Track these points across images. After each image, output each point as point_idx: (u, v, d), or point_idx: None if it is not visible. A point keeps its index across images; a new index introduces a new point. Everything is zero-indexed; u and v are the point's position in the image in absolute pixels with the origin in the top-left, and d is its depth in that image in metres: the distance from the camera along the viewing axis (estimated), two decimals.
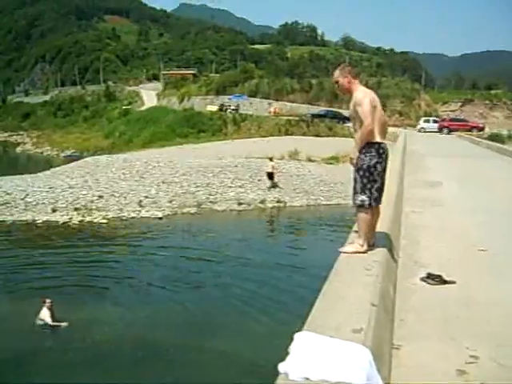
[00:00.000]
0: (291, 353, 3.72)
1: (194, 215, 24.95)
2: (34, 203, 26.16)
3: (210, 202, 26.73)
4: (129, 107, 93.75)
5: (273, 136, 50.72)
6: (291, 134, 50.71)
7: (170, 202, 26.53)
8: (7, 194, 27.78)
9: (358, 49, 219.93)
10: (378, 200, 5.33)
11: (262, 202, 26.76)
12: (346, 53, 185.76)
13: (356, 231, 5.71)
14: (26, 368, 9.96)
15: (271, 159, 30.66)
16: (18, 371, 9.76)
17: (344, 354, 3.63)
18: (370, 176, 5.23)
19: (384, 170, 5.34)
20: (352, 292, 4.32)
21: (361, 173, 5.23)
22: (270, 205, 26.65)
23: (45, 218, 23.86)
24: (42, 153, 67.99)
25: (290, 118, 57.85)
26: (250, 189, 29.08)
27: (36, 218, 23.85)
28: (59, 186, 29.77)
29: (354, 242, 5.45)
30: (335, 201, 27.28)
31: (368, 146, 5.16)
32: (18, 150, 74.03)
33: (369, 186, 5.23)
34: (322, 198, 27.79)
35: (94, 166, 37.86)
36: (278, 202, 27.02)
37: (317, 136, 49.74)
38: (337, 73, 5.32)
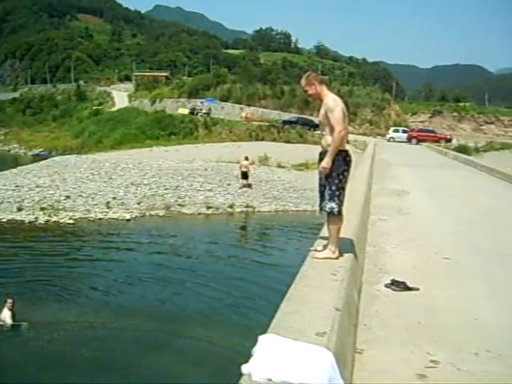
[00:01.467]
0: (255, 354, 3.74)
1: (163, 218, 24.84)
2: None
3: (179, 204, 26.63)
4: (99, 107, 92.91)
5: (244, 141, 50.74)
6: (262, 140, 50.83)
7: (139, 203, 26.37)
8: None
9: (331, 57, 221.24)
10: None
11: (231, 206, 26.76)
12: (319, 61, 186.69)
13: (323, 237, 5.76)
14: None
15: (246, 158, 30.84)
16: None
17: (307, 357, 3.67)
18: (339, 183, 5.30)
19: (347, 178, 5.43)
20: (317, 296, 4.37)
21: (329, 180, 5.29)
22: (238, 209, 26.66)
23: (10, 217, 23.50)
24: (9, 151, 67.16)
25: (261, 123, 57.96)
26: (219, 193, 29.06)
27: (0, 217, 23.46)
28: (26, 184, 29.44)
29: (326, 249, 5.50)
30: (303, 207, 27.40)
31: (336, 153, 5.23)
32: None
33: (337, 193, 5.30)
34: (290, 204, 27.89)
35: (63, 165, 37.49)
36: (246, 206, 27.05)
37: (287, 142, 49.92)
38: (303, 82, 5.43)
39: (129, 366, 10.97)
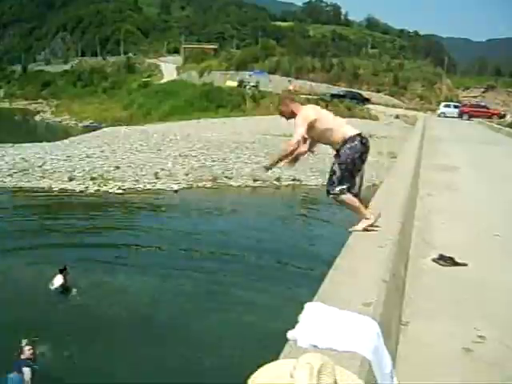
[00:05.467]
0: (301, 321, 3.79)
1: (210, 189, 25.03)
2: (52, 171, 26.39)
3: (226, 177, 26.78)
4: (148, 80, 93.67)
5: None
6: None
7: (186, 175, 26.62)
8: (25, 161, 28.08)
9: (382, 30, 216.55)
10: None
11: (278, 179, 26.75)
12: (369, 33, 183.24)
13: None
14: (34, 330, 10.13)
15: None
16: (27, 332, 9.92)
17: (352, 325, 3.70)
18: (343, 170, 5.45)
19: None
20: (364, 267, 4.38)
21: (343, 166, 5.41)
22: (285, 183, 26.64)
23: (61, 186, 24.05)
24: (60, 122, 68.34)
25: (310, 96, 57.50)
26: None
27: (53, 186, 24.04)
28: (77, 155, 30.01)
29: (360, 221, 5.54)
30: None
31: (351, 139, 5.44)
32: (37, 118, 74.44)
33: (336, 178, 5.46)
34: None
35: (112, 136, 38.09)
36: (293, 180, 26.99)
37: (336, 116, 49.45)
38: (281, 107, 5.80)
39: (174, 330, 11.20)
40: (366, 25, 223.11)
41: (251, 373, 3.41)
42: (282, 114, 5.80)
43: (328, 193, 5.55)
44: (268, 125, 41.27)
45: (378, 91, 67.80)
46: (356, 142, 5.41)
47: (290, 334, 3.62)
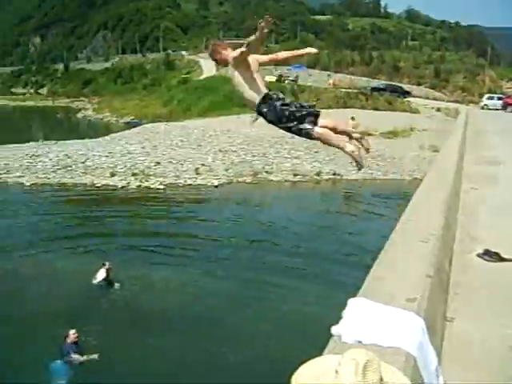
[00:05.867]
0: (344, 316, 3.77)
1: (250, 184, 25.11)
2: (94, 167, 26.83)
3: (266, 171, 26.81)
4: (188, 76, 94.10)
5: (331, 108, 50.19)
6: (350, 107, 50.06)
7: (226, 170, 26.74)
8: (68, 157, 28.57)
9: (422, 21, 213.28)
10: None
11: (318, 173, 26.66)
12: (410, 25, 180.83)
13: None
14: (78, 319, 10.35)
15: (353, 118, 31.44)
16: (72, 321, 10.16)
17: (397, 321, 3.66)
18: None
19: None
20: (407, 262, 4.33)
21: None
22: (325, 177, 26.54)
23: (103, 182, 24.46)
24: (102, 119, 69.26)
25: (349, 90, 57.11)
26: (306, 160, 29.01)
27: (95, 182, 24.49)
28: (118, 151, 30.39)
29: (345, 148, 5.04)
30: (391, 176, 26.99)
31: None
32: (79, 115, 75.62)
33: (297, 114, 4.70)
34: (378, 173, 27.48)
35: (153, 132, 38.43)
36: (333, 174, 26.87)
37: (376, 109, 48.98)
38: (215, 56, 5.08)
39: (215, 324, 11.27)
40: (405, 17, 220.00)
41: (295, 369, 3.41)
42: (217, 61, 5.30)
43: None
44: None
45: (419, 84, 66.95)
46: None
47: (334, 330, 3.61)
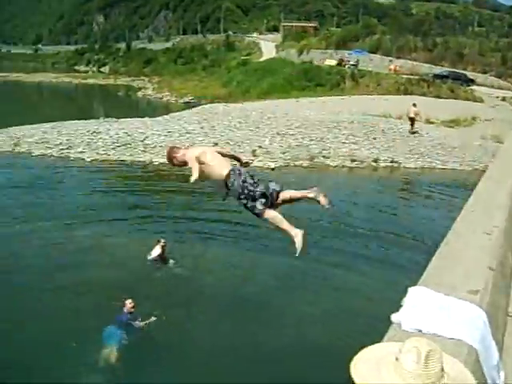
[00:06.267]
0: (405, 305, 3.72)
1: (306, 168, 25.00)
2: (153, 145, 27.21)
3: (323, 156, 26.63)
4: (247, 58, 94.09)
5: (391, 94, 49.46)
6: (410, 94, 49.18)
7: (284, 153, 26.69)
8: (128, 135, 29.07)
9: (490, 7, 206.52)
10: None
11: (376, 160, 26.33)
12: (476, 11, 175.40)
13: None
14: (130, 294, 10.57)
15: (414, 105, 32.11)
16: (123, 295, 10.40)
17: (459, 312, 3.59)
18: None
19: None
20: (469, 254, 4.25)
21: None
22: (383, 164, 26.18)
23: (161, 161, 24.64)
24: (161, 98, 69.90)
25: (411, 76, 56.02)
26: (364, 146, 28.67)
27: (153, 160, 24.84)
28: (177, 130, 30.73)
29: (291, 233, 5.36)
30: (451, 165, 26.39)
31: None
32: (140, 94, 76.49)
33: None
34: (437, 162, 26.92)
35: (211, 113, 38.69)
36: (391, 161, 26.47)
37: (437, 97, 47.96)
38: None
39: (268, 306, 11.33)
40: (472, 1, 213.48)
41: (354, 354, 3.39)
42: (174, 165, 5.64)
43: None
44: (367, 105, 40.68)
45: (484, 72, 64.92)
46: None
47: (394, 317, 3.57)
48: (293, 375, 8.77)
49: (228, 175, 5.15)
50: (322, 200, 5.52)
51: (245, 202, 5.07)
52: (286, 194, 5.42)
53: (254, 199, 5.07)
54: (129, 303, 9.92)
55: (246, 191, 5.05)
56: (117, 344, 9.42)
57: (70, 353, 9.01)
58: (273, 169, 24.34)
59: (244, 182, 5.08)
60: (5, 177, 21.61)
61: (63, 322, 10.18)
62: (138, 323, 9.97)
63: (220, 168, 5.24)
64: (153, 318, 10.25)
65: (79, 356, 8.95)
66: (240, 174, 5.15)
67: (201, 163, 5.25)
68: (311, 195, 5.47)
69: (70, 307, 10.67)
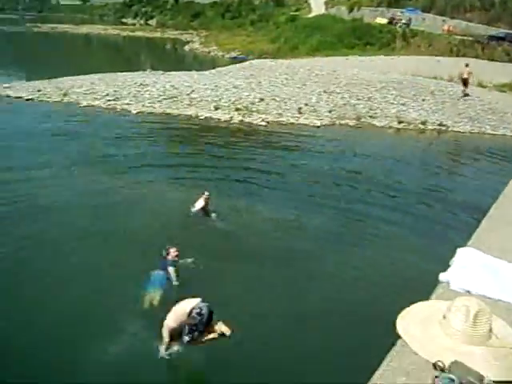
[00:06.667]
0: (453, 265, 3.64)
1: (352, 128, 24.69)
2: (199, 99, 27.22)
3: (370, 116, 26.24)
4: (296, 14, 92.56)
5: (443, 56, 48.19)
6: (463, 56, 47.77)
7: (330, 112, 26.39)
8: (175, 88, 29.13)
9: None
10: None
11: (423, 122, 25.80)
12: None
13: None
14: (176, 242, 10.73)
15: (467, 65, 31.63)
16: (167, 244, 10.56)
17: (508, 275, 3.50)
18: None
19: None
20: None
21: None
22: (430, 127, 25.64)
23: (207, 115, 24.83)
24: (208, 52, 69.57)
25: (465, 38, 54.36)
26: (413, 108, 28.10)
27: (199, 114, 24.89)
28: (223, 85, 30.61)
29: None
30: (502, 131, 25.70)
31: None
32: (186, 48, 76.22)
33: None
34: (487, 127, 26.21)
35: (258, 69, 38.40)
36: (439, 124, 25.90)
37: (491, 60, 46.49)
38: None
39: (313, 262, 11.32)
40: None
41: (400, 310, 3.33)
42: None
43: None
44: (418, 65, 39.75)
45: None
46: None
47: (442, 276, 3.50)
48: (340, 331, 8.82)
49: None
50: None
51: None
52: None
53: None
54: (173, 251, 10.08)
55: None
56: (160, 289, 9.63)
57: (116, 298, 9.21)
58: (318, 126, 24.15)
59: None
60: (54, 125, 21.97)
61: (108, 269, 10.37)
62: (173, 272, 10.12)
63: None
64: (193, 265, 10.51)
65: (123, 302, 9.13)
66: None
67: None
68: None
69: (115, 254, 10.86)
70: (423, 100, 29.77)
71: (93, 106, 25.82)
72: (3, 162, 16.98)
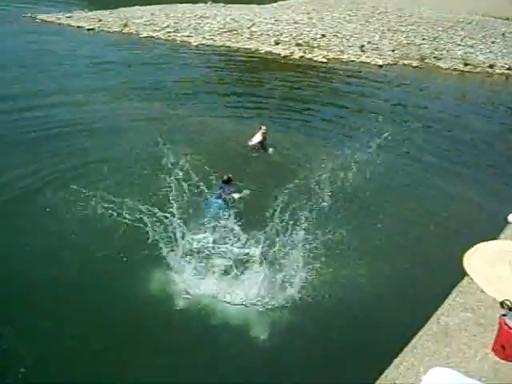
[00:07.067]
0: None
1: (415, 68, 23.90)
2: (259, 33, 26.80)
3: (435, 57, 25.27)
4: None
5: None
6: None
7: (393, 51, 25.55)
8: (235, 21, 28.69)
9: None
10: None
11: (491, 66, 24.69)
12: None
13: None
14: (231, 170, 10.80)
15: None
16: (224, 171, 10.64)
17: None
18: None
19: None
20: None
21: None
22: (498, 71, 24.51)
23: (267, 49, 24.51)
24: None
25: None
26: (481, 50, 26.89)
27: (259, 48, 24.62)
28: (285, 19, 29.95)
29: None
30: None
31: None
32: None
33: None
34: None
35: (321, 3, 37.32)
36: (508, 68, 24.74)
37: None
38: None
39: (368, 203, 11.22)
40: None
41: (467, 249, 3.18)
42: None
43: None
44: (489, 5, 37.92)
45: None
46: None
47: (511, 218, 3.36)
48: (408, 266, 8.89)
49: None
50: None
51: None
52: None
53: None
54: (228, 177, 10.51)
55: None
56: (217, 211, 10.00)
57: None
58: (380, 66, 23.48)
59: None
60: (115, 54, 22.24)
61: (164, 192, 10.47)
62: (234, 196, 10.51)
63: None
64: (248, 196, 10.80)
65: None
66: None
67: None
68: None
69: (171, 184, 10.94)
70: (492, 42, 28.44)
71: (152, 37, 25.85)
72: (69, 85, 17.77)
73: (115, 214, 9.20)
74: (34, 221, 9.82)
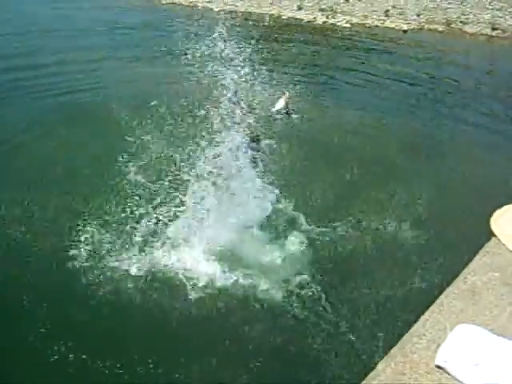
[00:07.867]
0: None
1: (441, 33, 23.44)
2: None
3: (461, 22, 24.73)
4: None
5: None
6: None
7: (418, 15, 25.05)
8: None
9: None
10: None
11: None
12: None
13: None
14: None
15: None
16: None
17: None
18: None
19: None
20: None
21: None
22: None
23: (290, 15, 24.29)
24: None
25: None
26: (510, 13, 26.27)
27: (282, 13, 24.40)
28: None
29: None
30: None
31: None
32: None
33: None
34: None
35: None
36: None
37: None
38: None
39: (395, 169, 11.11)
40: None
41: (492, 211, 3.11)
42: None
43: None
44: None
45: None
46: None
47: None
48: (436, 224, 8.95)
49: None
50: None
51: None
52: None
53: None
54: (252, 134, 10.61)
55: None
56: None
57: None
58: (405, 31, 23.11)
59: None
60: (133, 20, 22.25)
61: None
62: (256, 155, 10.51)
63: None
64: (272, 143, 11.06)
65: None
66: None
67: None
68: None
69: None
70: None
71: (174, 3, 25.70)
72: (88, 56, 17.79)
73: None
74: None
